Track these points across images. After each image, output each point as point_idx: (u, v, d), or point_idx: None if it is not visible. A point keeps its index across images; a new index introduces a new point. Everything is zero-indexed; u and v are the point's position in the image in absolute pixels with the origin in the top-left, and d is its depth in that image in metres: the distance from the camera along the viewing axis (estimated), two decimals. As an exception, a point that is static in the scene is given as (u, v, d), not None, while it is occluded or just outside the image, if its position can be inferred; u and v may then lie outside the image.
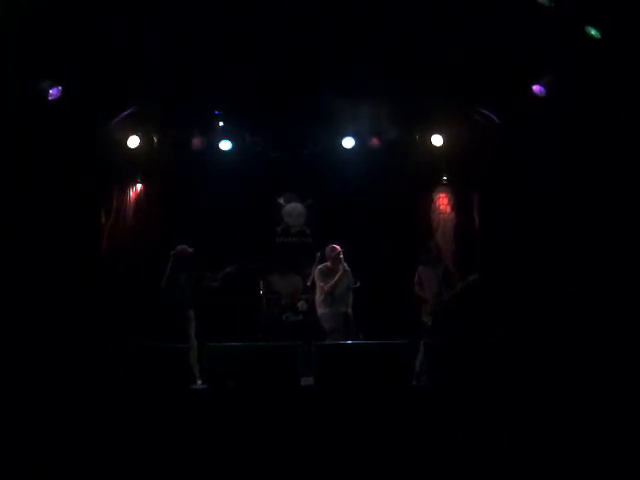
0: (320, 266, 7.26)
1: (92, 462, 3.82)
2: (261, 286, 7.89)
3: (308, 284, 7.39)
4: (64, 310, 6.64)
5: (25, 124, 6.26)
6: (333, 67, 6.68)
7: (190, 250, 6.57)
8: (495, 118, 7.45)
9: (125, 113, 7.21)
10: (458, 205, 8.61)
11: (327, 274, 7.18)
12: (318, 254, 7.35)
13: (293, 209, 8.78)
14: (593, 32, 5.88)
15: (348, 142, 8.15)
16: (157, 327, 6.85)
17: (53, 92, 6.41)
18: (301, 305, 7.53)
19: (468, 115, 7.69)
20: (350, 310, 7.20)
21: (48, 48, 5.69)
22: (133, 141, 7.79)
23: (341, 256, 7.19)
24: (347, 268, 7.24)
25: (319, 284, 7.20)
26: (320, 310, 7.18)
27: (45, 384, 5.63)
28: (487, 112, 7.52)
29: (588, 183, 6.34)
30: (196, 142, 7.86)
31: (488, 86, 6.92)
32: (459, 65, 6.59)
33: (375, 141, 8.14)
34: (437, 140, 8.11)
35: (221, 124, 7.79)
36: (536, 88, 6.63)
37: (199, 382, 6.25)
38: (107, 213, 7.92)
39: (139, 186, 8.35)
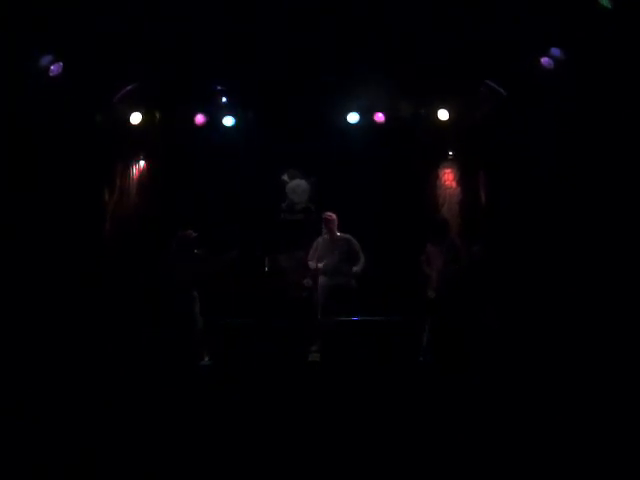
0: (320, 238, 7.01)
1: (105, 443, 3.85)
2: (266, 263, 7.88)
3: (313, 261, 7.34)
4: (69, 292, 6.63)
5: (24, 101, 6.16)
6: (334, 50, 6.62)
7: (194, 235, 6.49)
8: (502, 91, 7.33)
9: (127, 89, 7.09)
10: (463, 180, 8.56)
11: (323, 244, 6.92)
12: (324, 230, 7.29)
13: (297, 186, 8.72)
14: (604, 2, 5.75)
15: (353, 117, 8.05)
16: (161, 307, 6.87)
17: (54, 68, 6.30)
18: (307, 282, 7.50)
19: (475, 88, 7.57)
20: (353, 281, 6.80)
21: (48, 23, 5.58)
22: (135, 117, 7.70)
23: (330, 224, 6.85)
24: (346, 236, 6.91)
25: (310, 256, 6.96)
26: (319, 281, 6.94)
27: (51, 370, 5.67)
28: (494, 85, 7.39)
29: (598, 160, 6.25)
30: (199, 118, 7.75)
31: (495, 59, 6.81)
32: (466, 39, 6.49)
33: (380, 117, 8.03)
34: (443, 115, 8.00)
35: (224, 100, 7.66)
36: (544, 60, 6.50)
37: (206, 359, 6.27)
38: (110, 191, 7.87)
39: (142, 163, 8.29)
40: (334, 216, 6.94)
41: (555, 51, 6.48)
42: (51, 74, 6.27)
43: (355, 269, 6.77)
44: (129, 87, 7.12)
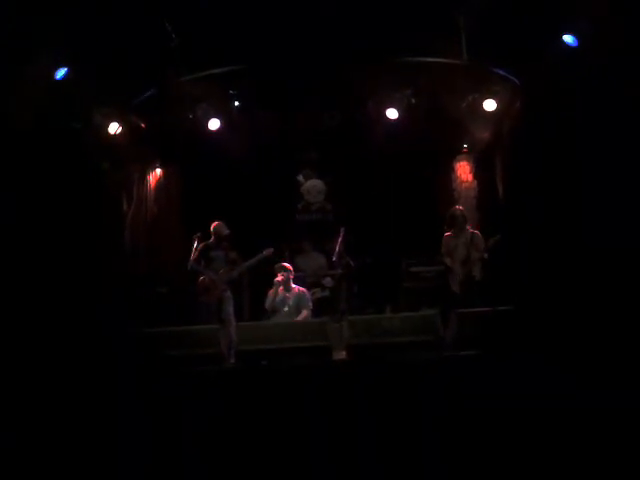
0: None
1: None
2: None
3: (333, 259, 7.30)
4: (91, 300, 6.63)
5: (38, 109, 6.18)
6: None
7: (227, 232, 6.42)
8: (516, 80, 7.26)
9: (143, 96, 7.12)
10: (479, 173, 8.49)
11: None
12: (342, 228, 7.25)
13: (312, 186, 8.70)
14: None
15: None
16: (184, 311, 6.87)
17: (61, 72, 6.31)
18: (327, 281, 7.48)
19: (487, 79, 7.50)
20: None
21: (67, 30, 5.65)
22: (148, 124, 7.69)
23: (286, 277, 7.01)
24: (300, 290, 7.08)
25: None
26: None
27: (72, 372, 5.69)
28: (506, 74, 7.32)
29: (623, 154, 6.09)
30: (213, 123, 7.76)
31: (506, 47, 6.73)
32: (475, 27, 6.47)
33: (392, 112, 7.93)
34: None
35: (237, 103, 7.67)
36: (567, 38, 6.31)
37: (231, 361, 6.22)
38: (128, 201, 7.89)
39: (158, 171, 8.33)
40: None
41: (569, 38, 6.35)
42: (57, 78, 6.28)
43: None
44: (146, 94, 7.14)
